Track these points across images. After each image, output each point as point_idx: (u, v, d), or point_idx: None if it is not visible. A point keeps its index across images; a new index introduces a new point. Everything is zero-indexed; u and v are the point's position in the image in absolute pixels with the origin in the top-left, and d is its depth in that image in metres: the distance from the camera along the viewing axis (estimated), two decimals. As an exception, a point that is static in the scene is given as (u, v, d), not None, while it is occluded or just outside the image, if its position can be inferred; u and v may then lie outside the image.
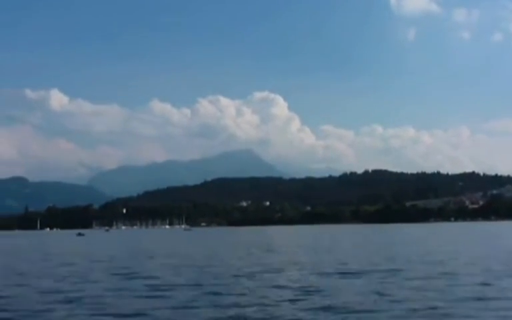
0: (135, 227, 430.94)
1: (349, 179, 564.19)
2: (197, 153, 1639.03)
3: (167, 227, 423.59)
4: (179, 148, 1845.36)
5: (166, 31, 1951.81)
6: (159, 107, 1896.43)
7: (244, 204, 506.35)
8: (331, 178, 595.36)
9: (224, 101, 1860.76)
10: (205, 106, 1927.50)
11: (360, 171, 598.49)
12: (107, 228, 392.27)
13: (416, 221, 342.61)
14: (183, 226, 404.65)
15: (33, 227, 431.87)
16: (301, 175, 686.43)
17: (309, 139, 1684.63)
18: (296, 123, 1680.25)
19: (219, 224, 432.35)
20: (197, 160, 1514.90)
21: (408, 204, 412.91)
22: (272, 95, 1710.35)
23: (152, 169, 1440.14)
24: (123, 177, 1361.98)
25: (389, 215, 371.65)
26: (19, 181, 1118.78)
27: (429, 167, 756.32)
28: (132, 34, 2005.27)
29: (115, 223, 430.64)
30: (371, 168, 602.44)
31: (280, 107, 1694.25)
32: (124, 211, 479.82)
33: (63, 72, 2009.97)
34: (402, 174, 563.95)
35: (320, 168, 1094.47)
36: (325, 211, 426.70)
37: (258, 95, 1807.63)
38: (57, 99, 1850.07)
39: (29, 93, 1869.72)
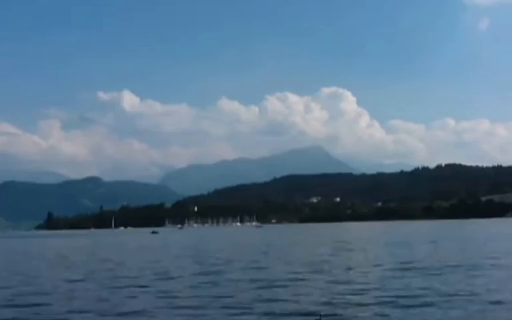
0: (206, 225, 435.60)
1: (420, 174, 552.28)
2: (266, 150, 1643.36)
3: (238, 224, 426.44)
4: (248, 145, 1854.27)
5: (233, 29, 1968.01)
6: (228, 105, 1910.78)
7: (314, 200, 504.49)
8: (402, 173, 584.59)
9: (292, 97, 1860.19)
10: (273, 103, 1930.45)
11: (432, 165, 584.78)
12: (180, 226, 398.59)
13: (491, 216, 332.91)
14: (254, 223, 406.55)
15: (108, 226, 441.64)
16: (371, 170, 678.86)
17: (378, 133, 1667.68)
18: (365, 118, 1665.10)
19: (290, 221, 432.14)
20: (266, 157, 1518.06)
21: (483, 199, 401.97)
22: (340, 90, 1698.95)
23: (222, 167, 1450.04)
24: (193, 176, 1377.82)
25: (463, 210, 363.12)
26: (93, 181, 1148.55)
27: (505, 160, 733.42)
28: (199, 33, 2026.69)
29: (186, 221, 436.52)
30: (443, 162, 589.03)
31: (349, 102, 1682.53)
32: (195, 209, 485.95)
33: (134, 73, 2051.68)
34: (476, 168, 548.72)
35: (391, 163, 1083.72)
36: (396, 207, 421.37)
37: (326, 90, 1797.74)
38: (129, 100, 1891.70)
39: (102, 95, 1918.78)
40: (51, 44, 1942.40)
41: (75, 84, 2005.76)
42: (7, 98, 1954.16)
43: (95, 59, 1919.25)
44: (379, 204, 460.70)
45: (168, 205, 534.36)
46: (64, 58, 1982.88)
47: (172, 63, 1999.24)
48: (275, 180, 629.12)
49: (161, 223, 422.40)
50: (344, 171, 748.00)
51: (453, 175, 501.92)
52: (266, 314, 21.75)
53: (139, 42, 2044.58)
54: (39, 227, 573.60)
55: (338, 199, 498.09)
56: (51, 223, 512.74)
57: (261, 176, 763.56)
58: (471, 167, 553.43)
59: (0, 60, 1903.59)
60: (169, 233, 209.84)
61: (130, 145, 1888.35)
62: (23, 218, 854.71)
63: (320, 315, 17.07)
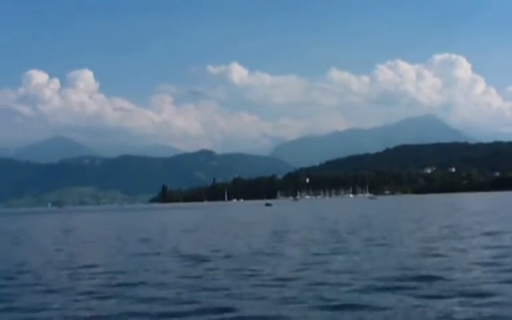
0: (318, 197, 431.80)
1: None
2: (378, 120, 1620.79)
3: (351, 195, 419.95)
4: (359, 116, 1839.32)
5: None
6: (338, 75, 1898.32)
7: (428, 171, 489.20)
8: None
9: (403, 65, 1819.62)
10: (384, 72, 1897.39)
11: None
12: (297, 197, 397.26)
13: None
14: (367, 194, 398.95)
15: (221, 198, 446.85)
16: (488, 139, 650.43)
17: (495, 101, 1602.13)
18: (481, 85, 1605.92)
19: (403, 192, 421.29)
20: (379, 127, 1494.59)
21: None
22: (454, 57, 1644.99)
23: (333, 138, 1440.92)
24: (305, 147, 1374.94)
25: None
26: (206, 154, 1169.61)
27: None
28: (307, 3, 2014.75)
29: (298, 193, 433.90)
30: None
31: (463, 68, 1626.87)
32: (307, 180, 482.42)
33: (241, 46, 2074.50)
34: None
35: (509, 131, 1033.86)
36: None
37: (438, 57, 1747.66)
38: (237, 73, 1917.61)
39: (211, 69, 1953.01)
40: (160, 20, 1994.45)
41: (185, 58, 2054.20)
42: (121, 74, 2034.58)
43: (203, 32, 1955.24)
44: (497, 174, 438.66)
45: (279, 176, 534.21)
46: (172, 33, 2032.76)
47: (280, 34, 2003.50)
48: (388, 150, 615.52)
49: (272, 195, 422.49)
50: (459, 140, 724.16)
51: None
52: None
53: (247, 13, 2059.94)
54: (153, 200, 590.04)
55: (453, 169, 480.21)
56: (165, 196, 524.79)
57: (374, 146, 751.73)
58: None
59: (115, 37, 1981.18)
60: (282, 205, 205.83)
61: (241, 118, 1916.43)
62: (138, 191, 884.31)
63: None
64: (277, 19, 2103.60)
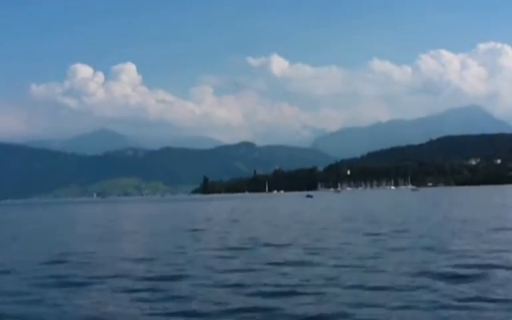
0: (359, 188, 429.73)
1: None
2: (421, 110, 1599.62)
3: (392, 187, 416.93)
4: (402, 106, 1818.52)
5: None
6: (379, 65, 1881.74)
7: (473, 162, 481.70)
8: None
9: (446, 54, 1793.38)
10: (427, 61, 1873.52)
11: None
12: (336, 189, 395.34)
13: None
14: (409, 186, 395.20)
15: (261, 190, 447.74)
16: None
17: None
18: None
19: (447, 184, 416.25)
20: (422, 118, 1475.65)
21: None
22: (499, 45, 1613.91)
23: (375, 129, 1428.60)
24: (346, 138, 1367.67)
25: None
26: (247, 146, 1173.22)
27: None
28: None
29: (339, 184, 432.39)
30: None
31: (509, 57, 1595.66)
32: (348, 172, 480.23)
33: (281, 37, 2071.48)
34: None
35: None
36: None
37: (483, 46, 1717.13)
38: (278, 64, 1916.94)
39: (251, 60, 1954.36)
40: (201, 12, 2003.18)
41: (226, 50, 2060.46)
42: (163, 67, 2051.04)
43: (243, 24, 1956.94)
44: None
45: (320, 168, 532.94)
46: (213, 25, 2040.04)
47: (319, 24, 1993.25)
48: (431, 141, 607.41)
49: (313, 187, 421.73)
50: (505, 130, 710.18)
51: None
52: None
53: (285, 6, 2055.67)
54: (195, 191, 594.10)
55: (499, 161, 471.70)
56: (207, 187, 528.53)
57: (416, 137, 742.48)
58: None
59: (157, 30, 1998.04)
60: (324, 197, 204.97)
61: (281, 109, 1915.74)
62: (180, 182, 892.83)
63: None
64: (317, 10, 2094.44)
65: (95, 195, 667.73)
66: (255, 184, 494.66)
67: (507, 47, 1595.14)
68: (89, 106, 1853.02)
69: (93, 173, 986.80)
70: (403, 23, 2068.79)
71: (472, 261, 22.46)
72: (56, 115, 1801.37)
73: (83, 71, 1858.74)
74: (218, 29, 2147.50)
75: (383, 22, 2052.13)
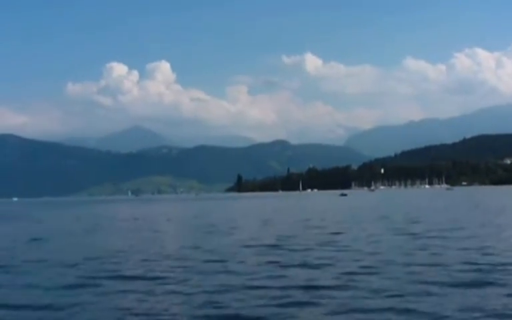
0: (393, 187, 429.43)
1: None
2: (455, 109, 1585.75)
3: (427, 186, 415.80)
4: (436, 105, 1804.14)
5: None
6: (413, 64, 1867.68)
7: (508, 161, 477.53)
8: None
9: (481, 53, 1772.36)
10: (462, 60, 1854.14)
11: None
12: (370, 188, 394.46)
13: None
14: (443, 185, 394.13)
15: (295, 188, 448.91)
16: None
17: None
18: None
19: (481, 183, 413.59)
20: (456, 117, 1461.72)
21: None
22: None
23: (409, 128, 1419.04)
24: (379, 137, 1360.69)
25: None
26: (281, 144, 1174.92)
27: None
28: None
29: (372, 183, 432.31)
30: None
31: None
32: (382, 171, 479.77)
33: (315, 36, 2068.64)
34: None
35: None
36: None
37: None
38: (312, 63, 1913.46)
39: (285, 59, 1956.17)
40: (235, 11, 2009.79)
41: (260, 49, 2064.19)
42: (197, 65, 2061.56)
43: (278, 23, 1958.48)
44: None
45: (354, 167, 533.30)
46: (247, 24, 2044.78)
47: (353, 23, 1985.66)
48: (465, 140, 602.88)
49: (346, 185, 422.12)
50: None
51: None
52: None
53: (318, 6, 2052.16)
54: (229, 190, 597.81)
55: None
56: (241, 186, 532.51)
57: (450, 136, 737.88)
58: None
59: (191, 29, 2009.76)
60: (358, 195, 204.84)
61: (315, 108, 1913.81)
62: (214, 181, 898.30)
63: None
64: (351, 8, 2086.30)
65: (129, 193, 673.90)
66: (289, 182, 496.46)
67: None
68: (123, 104, 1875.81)
69: (126, 171, 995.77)
70: (438, 22, 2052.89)
71: None
72: (91, 114, 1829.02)
73: (118, 69, 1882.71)
74: (253, 28, 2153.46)
75: (418, 21, 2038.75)
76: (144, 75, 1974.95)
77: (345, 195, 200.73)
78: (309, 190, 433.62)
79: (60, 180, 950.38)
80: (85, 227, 54.41)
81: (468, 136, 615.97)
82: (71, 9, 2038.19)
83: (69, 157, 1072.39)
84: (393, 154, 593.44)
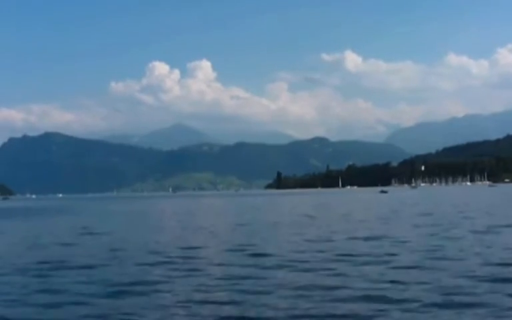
0: (434, 184, 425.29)
1: None
2: (499, 105, 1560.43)
3: (468, 183, 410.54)
4: (478, 101, 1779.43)
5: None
6: (456, 60, 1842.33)
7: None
8: None
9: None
10: (505, 55, 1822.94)
11: None
12: (411, 185, 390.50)
13: None
14: (485, 182, 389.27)
15: (334, 185, 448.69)
16: None
17: None
18: None
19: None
20: (499, 112, 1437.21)
21: None
22: None
23: (451, 124, 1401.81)
24: (421, 134, 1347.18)
25: None
26: (320, 141, 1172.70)
27: None
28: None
29: (413, 180, 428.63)
30: None
31: None
32: (422, 167, 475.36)
33: (354, 33, 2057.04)
34: None
35: None
36: None
37: None
38: (352, 60, 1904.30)
39: (325, 56, 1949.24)
40: (275, 9, 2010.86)
41: (300, 46, 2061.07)
42: (237, 64, 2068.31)
43: (318, 20, 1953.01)
44: None
45: (394, 163, 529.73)
46: (287, 22, 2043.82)
47: (391, 21, 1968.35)
48: (509, 136, 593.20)
49: (386, 182, 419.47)
50: None
51: None
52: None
53: (356, 1, 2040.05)
54: (268, 186, 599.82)
55: None
56: (280, 182, 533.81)
57: (494, 132, 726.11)
58: None
59: (232, 28, 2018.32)
60: (399, 192, 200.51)
61: (356, 105, 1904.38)
62: (254, 177, 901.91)
63: None
64: (391, 5, 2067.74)
65: (170, 189, 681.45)
66: (328, 179, 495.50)
67: None
68: (165, 102, 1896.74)
69: (168, 168, 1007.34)
70: (480, 17, 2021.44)
71: None
72: (134, 111, 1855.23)
73: (160, 68, 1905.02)
74: (293, 26, 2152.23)
75: (460, 16, 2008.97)
76: (185, 73, 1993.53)
77: (385, 191, 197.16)
78: (348, 187, 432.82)
79: (104, 177, 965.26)
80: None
81: (511, 132, 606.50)
82: (115, 8, 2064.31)
83: (113, 154, 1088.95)
84: (434, 150, 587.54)
